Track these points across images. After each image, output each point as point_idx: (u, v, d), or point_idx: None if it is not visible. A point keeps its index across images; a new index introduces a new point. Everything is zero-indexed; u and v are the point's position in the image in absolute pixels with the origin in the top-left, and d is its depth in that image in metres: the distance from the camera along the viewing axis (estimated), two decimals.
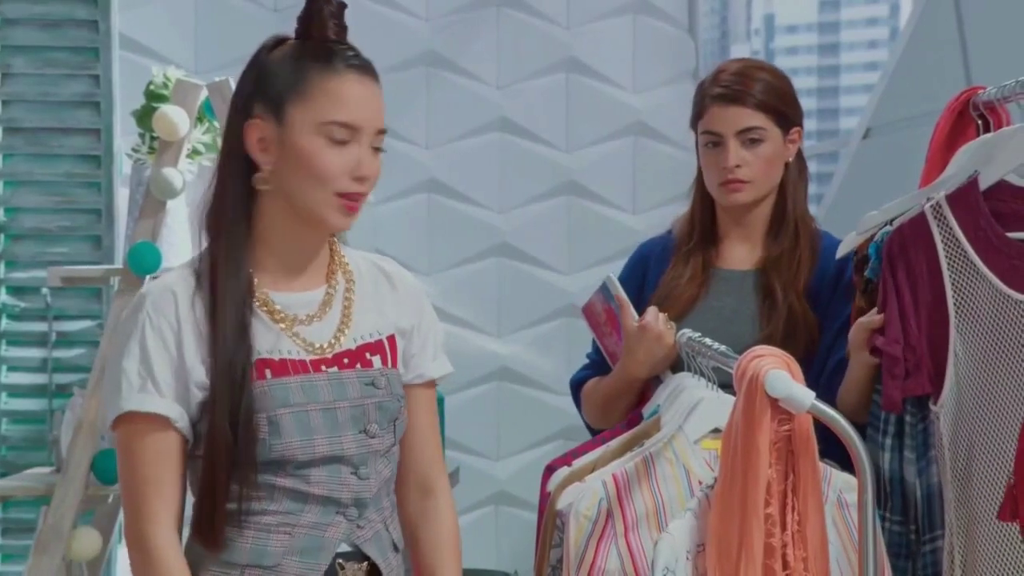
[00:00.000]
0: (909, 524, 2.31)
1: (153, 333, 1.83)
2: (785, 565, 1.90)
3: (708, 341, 2.25)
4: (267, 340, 1.88)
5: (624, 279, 2.65)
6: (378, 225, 4.41)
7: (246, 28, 4.44)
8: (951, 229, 2.26)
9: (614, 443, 2.30)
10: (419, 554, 2.05)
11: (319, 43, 1.88)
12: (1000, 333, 2.22)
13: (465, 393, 4.49)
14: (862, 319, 2.33)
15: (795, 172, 2.61)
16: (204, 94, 3.35)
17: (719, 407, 2.18)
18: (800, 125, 2.60)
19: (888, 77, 4.39)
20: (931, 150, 2.56)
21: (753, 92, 2.52)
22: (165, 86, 3.41)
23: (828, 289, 2.55)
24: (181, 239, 3.43)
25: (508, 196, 4.65)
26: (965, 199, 2.26)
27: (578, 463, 2.29)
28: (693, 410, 2.21)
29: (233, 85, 3.29)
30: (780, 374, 1.92)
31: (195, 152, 3.43)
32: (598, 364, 2.63)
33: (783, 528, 1.90)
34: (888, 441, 2.32)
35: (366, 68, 1.90)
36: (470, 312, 4.59)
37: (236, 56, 4.41)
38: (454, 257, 4.62)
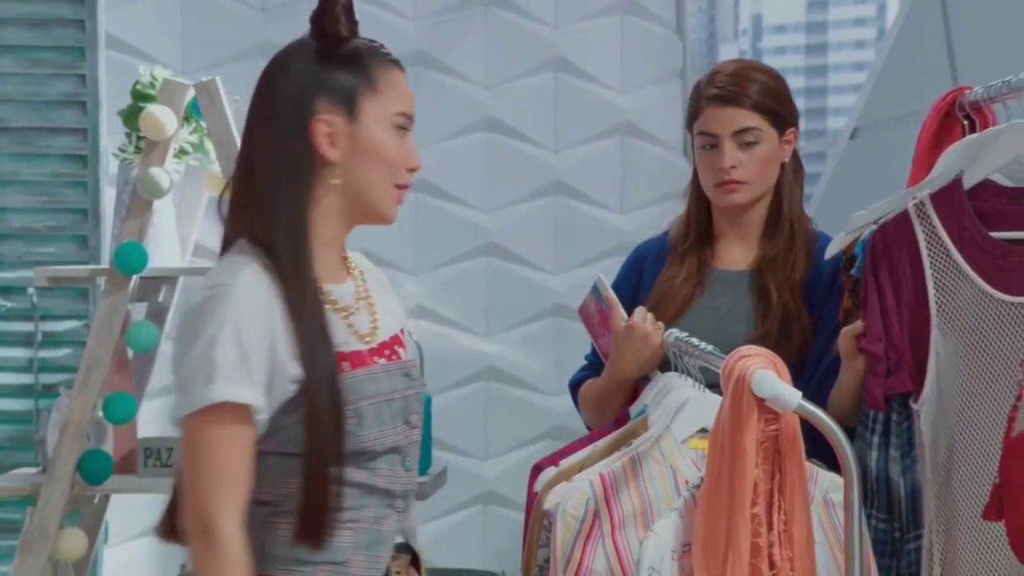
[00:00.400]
0: (894, 522, 2.32)
1: (249, 324, 1.81)
2: (772, 565, 1.90)
3: (695, 341, 2.25)
4: (338, 332, 1.90)
5: (620, 280, 2.66)
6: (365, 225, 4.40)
7: (233, 28, 4.43)
8: (934, 228, 2.27)
9: (601, 443, 2.30)
10: None
11: (334, 40, 1.92)
12: (983, 332, 2.23)
13: (453, 393, 4.49)
14: (847, 328, 2.33)
15: (791, 172, 2.62)
16: (191, 94, 3.35)
17: (706, 407, 2.18)
18: (796, 126, 2.61)
19: (875, 77, 4.39)
20: (918, 150, 2.57)
21: (748, 93, 2.53)
22: (152, 86, 3.40)
23: (823, 289, 2.55)
24: (168, 239, 3.42)
25: (495, 196, 4.64)
26: (949, 198, 2.27)
27: (565, 463, 2.29)
28: (680, 410, 2.21)
29: (220, 85, 3.32)
30: (767, 374, 1.92)
31: (182, 152, 3.42)
32: (595, 365, 2.63)
33: (769, 528, 1.91)
34: (875, 439, 2.33)
35: (398, 61, 1.98)
36: (457, 312, 4.58)
37: (223, 56, 4.45)
38: (441, 257, 4.61)
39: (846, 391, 2.36)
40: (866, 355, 2.27)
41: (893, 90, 4.30)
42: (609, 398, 2.52)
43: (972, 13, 3.97)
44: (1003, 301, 2.23)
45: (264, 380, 1.82)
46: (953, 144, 2.42)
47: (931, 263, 2.26)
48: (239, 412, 1.80)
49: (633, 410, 2.40)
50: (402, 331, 2.03)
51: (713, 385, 2.16)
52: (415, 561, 2.00)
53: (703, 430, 2.19)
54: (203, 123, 3.37)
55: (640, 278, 2.65)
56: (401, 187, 1.94)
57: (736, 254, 2.62)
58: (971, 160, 2.33)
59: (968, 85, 2.53)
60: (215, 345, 1.79)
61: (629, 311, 2.50)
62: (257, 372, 1.81)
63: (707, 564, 1.91)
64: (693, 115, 2.59)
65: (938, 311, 2.26)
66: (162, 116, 3.28)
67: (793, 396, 1.91)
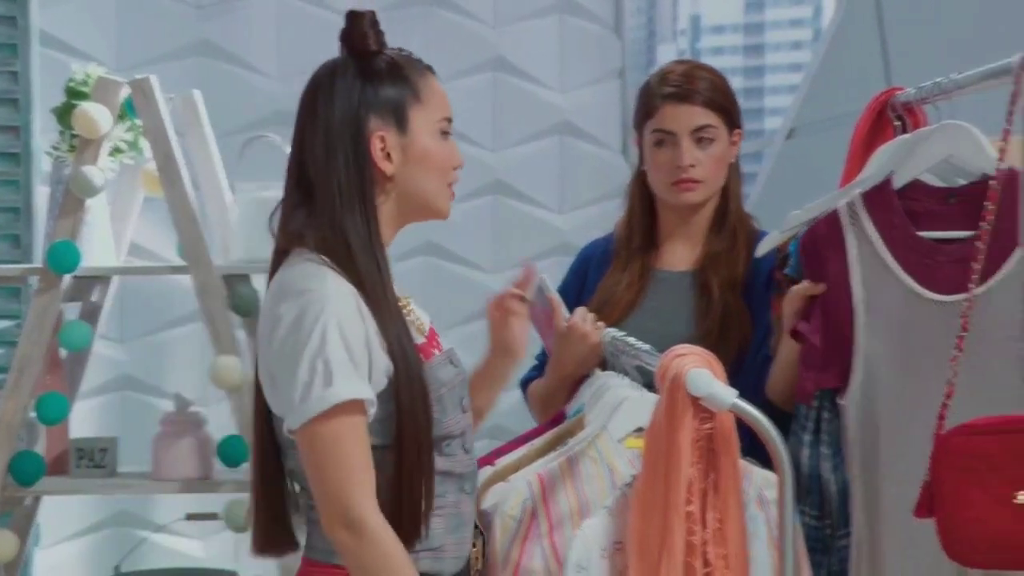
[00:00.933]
0: (825, 519, 2.33)
1: (348, 324, 1.89)
2: (706, 563, 1.91)
3: (632, 340, 2.26)
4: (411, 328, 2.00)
5: (567, 283, 2.67)
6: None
7: (168, 25, 4.39)
8: (864, 228, 2.29)
9: (538, 442, 2.30)
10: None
11: (366, 56, 2.01)
12: (911, 331, 2.25)
13: None
14: (797, 286, 2.35)
15: (736, 172, 2.64)
16: (126, 92, 3.31)
17: (643, 406, 2.18)
18: (741, 127, 2.63)
19: (811, 78, 4.43)
20: (851, 150, 2.59)
21: (703, 91, 2.56)
22: (86, 83, 3.36)
23: (761, 287, 2.57)
24: (102, 238, 3.39)
25: None
26: (880, 198, 2.29)
27: (502, 462, 2.28)
28: (617, 409, 2.21)
29: (155, 82, 3.29)
30: (701, 373, 1.93)
31: (116, 150, 3.39)
32: (544, 364, 2.64)
33: (704, 526, 1.91)
34: (807, 437, 2.34)
35: (432, 67, 2.07)
36: None
37: (158, 53, 4.40)
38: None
39: (787, 364, 2.38)
40: (804, 344, 2.29)
41: (828, 91, 4.34)
42: (552, 397, 2.53)
43: (906, 15, 4.02)
44: (931, 300, 2.25)
45: (367, 372, 1.90)
46: (885, 144, 2.45)
47: (859, 261, 2.28)
48: (356, 407, 1.88)
49: (569, 409, 2.41)
50: (431, 323, 2.13)
51: (651, 385, 2.17)
52: (484, 543, 2.09)
53: (639, 429, 2.19)
54: (138, 121, 3.33)
55: (585, 281, 2.66)
56: (451, 185, 2.06)
57: (680, 254, 2.63)
58: (902, 160, 2.35)
59: (901, 86, 2.56)
60: (326, 347, 1.86)
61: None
62: (363, 366, 1.89)
63: (641, 562, 1.91)
64: (646, 113, 2.59)
65: (865, 310, 2.27)
66: (96, 114, 3.25)
67: (728, 395, 1.92)
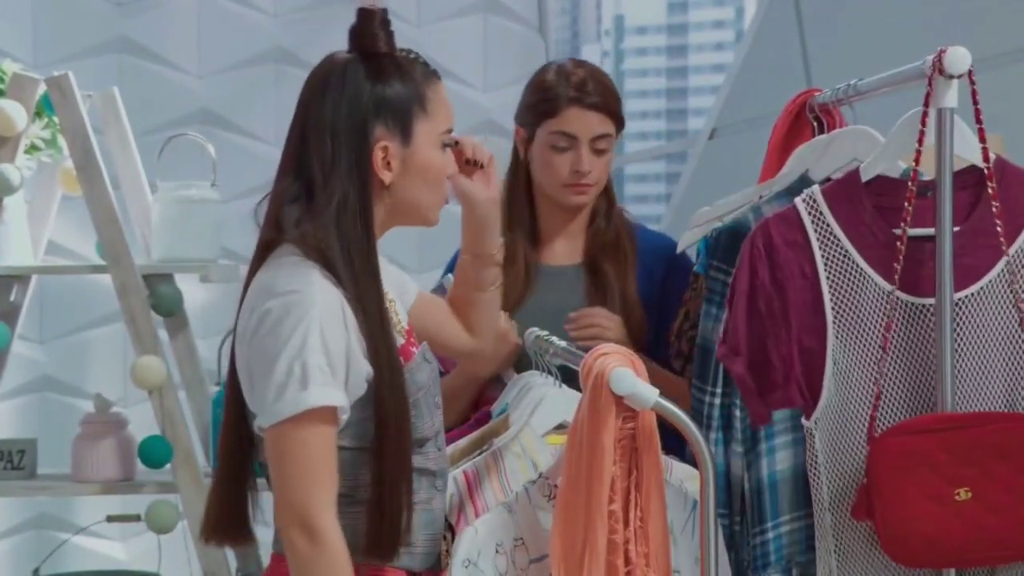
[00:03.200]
0: (733, 516, 2.34)
1: (330, 328, 1.88)
2: (627, 561, 1.92)
3: (555, 339, 2.27)
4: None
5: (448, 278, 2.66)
6: (224, 221, 4.36)
7: (87, 21, 4.34)
8: (828, 226, 2.15)
9: (462, 442, 2.30)
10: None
11: (394, 57, 1.98)
12: (890, 338, 2.12)
13: None
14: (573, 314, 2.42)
15: (611, 168, 2.67)
16: (42, 88, 3.27)
17: (564, 402, 2.20)
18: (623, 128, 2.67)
19: (732, 79, 4.47)
20: (769, 150, 2.62)
21: (611, 102, 2.59)
22: (1, 80, 3.31)
23: (645, 278, 2.62)
24: (19, 237, 3.34)
25: None
26: (845, 193, 2.16)
27: None
28: (539, 405, 2.23)
29: (73, 80, 3.25)
30: (625, 372, 1.94)
31: (33, 148, 3.34)
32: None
33: (626, 524, 1.92)
34: (713, 435, 2.34)
35: (437, 73, 2.04)
36: None
37: (76, 50, 4.35)
38: None
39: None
40: (730, 370, 2.18)
41: (750, 92, 4.38)
42: (455, 397, 2.52)
43: (825, 17, 4.06)
44: (911, 303, 2.13)
45: (344, 379, 1.89)
46: (802, 145, 2.47)
47: (825, 264, 2.14)
48: (328, 414, 1.87)
49: (495, 409, 2.41)
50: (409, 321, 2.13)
51: (571, 380, 2.18)
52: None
53: (561, 425, 2.20)
54: (56, 119, 3.29)
55: None
56: (445, 195, 2.05)
57: (564, 249, 2.66)
58: (816, 160, 2.38)
59: (819, 88, 2.59)
60: (305, 350, 1.85)
61: None
62: (340, 373, 1.88)
63: (565, 560, 1.92)
64: (547, 113, 2.59)
65: (835, 318, 2.13)
66: (12, 111, 3.20)
67: (650, 394, 1.93)
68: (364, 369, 1.91)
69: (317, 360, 1.85)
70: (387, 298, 2.02)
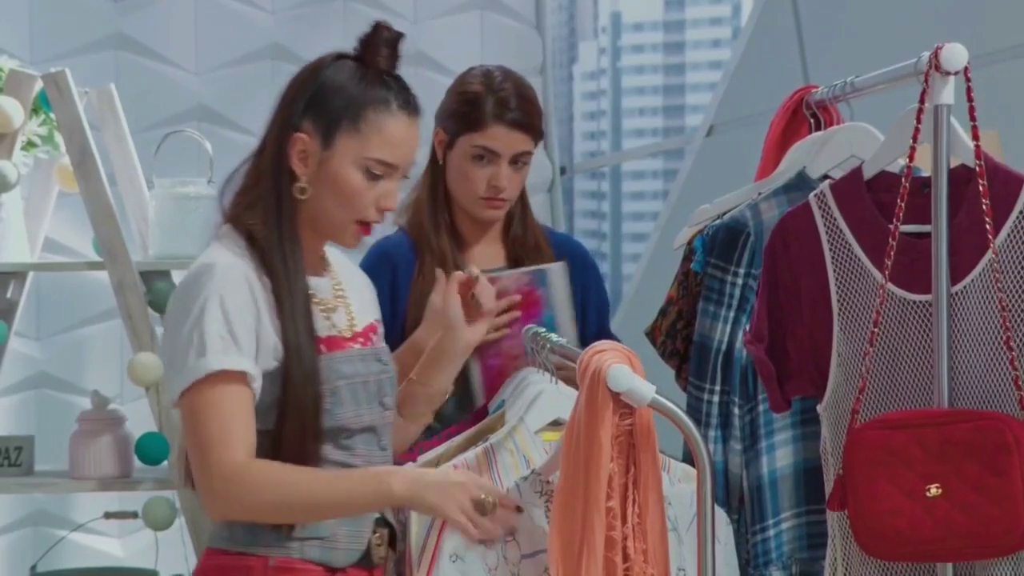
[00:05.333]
0: (731, 514, 2.34)
1: (232, 299, 1.90)
2: (625, 557, 1.92)
3: (554, 337, 2.27)
4: (316, 319, 2.00)
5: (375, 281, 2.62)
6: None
7: (84, 18, 4.34)
8: (835, 221, 2.19)
9: (458, 438, 2.30)
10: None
11: (376, 73, 1.99)
12: (887, 332, 2.14)
13: None
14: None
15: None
16: (39, 85, 3.27)
17: (559, 399, 2.20)
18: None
19: (730, 76, 4.47)
20: (766, 147, 2.62)
21: (535, 120, 2.59)
22: None
23: (577, 280, 2.62)
24: (16, 233, 3.34)
25: None
26: (849, 189, 2.20)
27: (423, 458, 2.28)
28: (534, 402, 2.23)
29: (70, 76, 3.25)
30: (622, 368, 1.94)
31: (30, 144, 3.34)
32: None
33: (624, 521, 1.92)
34: (712, 432, 2.35)
35: (416, 110, 2.02)
36: None
37: (73, 47, 4.34)
38: None
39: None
40: (753, 356, 2.23)
41: (747, 89, 4.37)
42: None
43: (822, 14, 4.06)
44: (905, 299, 2.14)
45: (253, 350, 1.90)
46: (799, 141, 2.47)
47: (832, 257, 2.19)
48: (234, 378, 1.89)
49: (491, 405, 2.41)
50: (377, 322, 2.13)
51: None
52: (392, 536, 2.07)
53: (556, 422, 2.20)
54: (52, 115, 3.29)
55: (394, 277, 2.61)
56: (363, 223, 2.01)
57: (485, 253, 2.66)
58: (813, 157, 2.38)
59: (816, 84, 2.59)
60: (203, 320, 1.88)
61: (391, 316, 2.49)
62: (246, 343, 1.90)
63: (563, 557, 1.92)
64: (471, 126, 2.56)
65: (840, 309, 2.17)
66: (8, 108, 3.20)
67: (648, 390, 1.93)
68: (273, 344, 1.92)
69: (216, 328, 1.88)
70: (338, 291, 2.04)
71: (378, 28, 2.00)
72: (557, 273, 2.56)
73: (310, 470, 1.92)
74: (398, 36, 2.01)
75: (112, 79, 3.53)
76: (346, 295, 2.09)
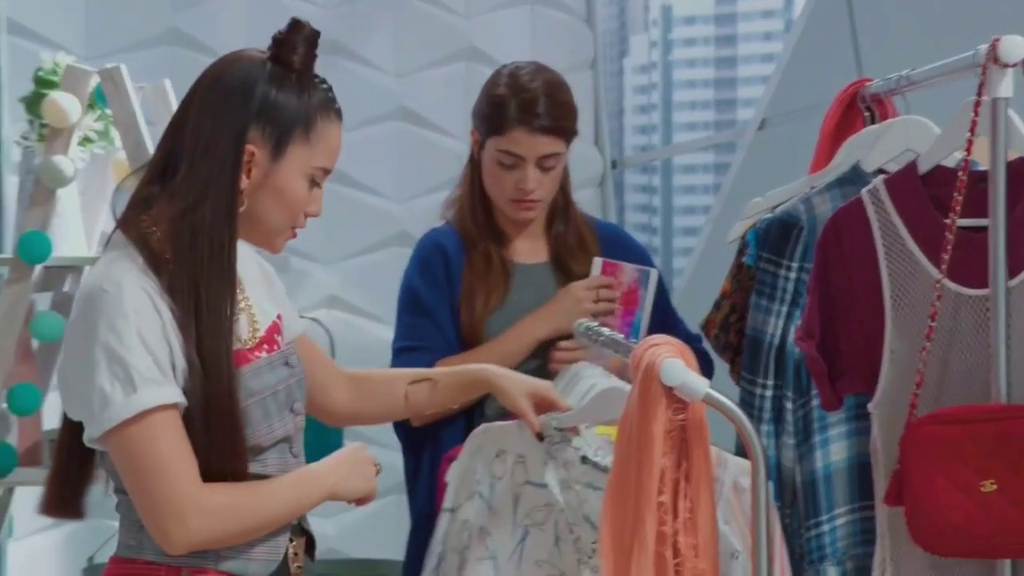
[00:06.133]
0: (785, 508, 2.33)
1: (147, 325, 1.80)
2: (676, 552, 1.91)
3: (604, 330, 2.27)
4: None
5: (435, 276, 2.62)
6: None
7: (139, 14, 4.37)
8: (889, 215, 2.17)
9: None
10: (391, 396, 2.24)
11: (310, 79, 1.94)
12: (941, 328, 2.13)
13: None
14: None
15: (566, 170, 2.66)
16: (95, 81, 3.29)
17: (613, 393, 2.20)
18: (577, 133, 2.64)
19: (782, 69, 4.45)
20: (820, 140, 2.60)
21: (562, 122, 2.57)
22: (54, 72, 3.34)
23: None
24: (73, 228, 3.37)
25: (407, 186, 4.63)
26: (904, 183, 2.18)
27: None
28: (588, 396, 2.23)
29: (125, 72, 3.27)
30: (675, 363, 1.93)
31: (86, 140, 3.37)
32: (432, 348, 2.58)
33: (675, 516, 1.92)
34: (764, 427, 2.34)
35: (341, 113, 1.98)
36: (368, 301, 4.56)
37: (128, 42, 4.37)
38: (353, 247, 4.59)
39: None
40: (808, 348, 2.21)
41: (800, 82, 4.35)
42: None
43: (876, 5, 4.03)
44: (961, 295, 2.13)
45: (172, 376, 1.83)
46: (854, 135, 2.46)
47: (886, 253, 2.17)
48: (170, 409, 1.82)
49: None
50: (279, 317, 2.03)
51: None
52: (310, 543, 2.01)
53: None
54: (108, 111, 3.32)
55: (448, 270, 2.62)
56: (296, 228, 1.96)
57: (528, 247, 2.66)
58: (867, 151, 2.36)
59: (870, 77, 2.57)
60: (122, 350, 1.79)
61: (448, 306, 2.54)
62: (168, 370, 1.82)
63: (614, 551, 1.92)
64: (495, 130, 2.56)
65: (893, 305, 2.15)
66: (65, 103, 3.23)
67: (701, 385, 1.93)
68: (181, 365, 1.83)
69: (140, 359, 1.78)
70: (241, 305, 1.94)
71: (296, 26, 1.95)
72: (654, 279, 2.59)
73: (255, 486, 1.86)
74: (316, 35, 1.96)
75: (167, 74, 3.55)
76: (246, 294, 1.98)
